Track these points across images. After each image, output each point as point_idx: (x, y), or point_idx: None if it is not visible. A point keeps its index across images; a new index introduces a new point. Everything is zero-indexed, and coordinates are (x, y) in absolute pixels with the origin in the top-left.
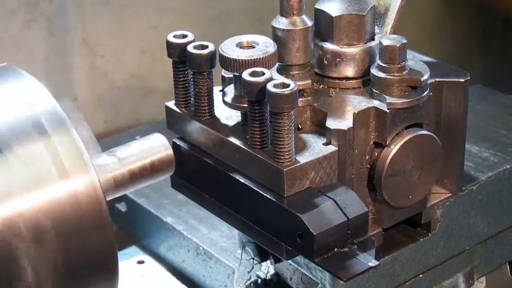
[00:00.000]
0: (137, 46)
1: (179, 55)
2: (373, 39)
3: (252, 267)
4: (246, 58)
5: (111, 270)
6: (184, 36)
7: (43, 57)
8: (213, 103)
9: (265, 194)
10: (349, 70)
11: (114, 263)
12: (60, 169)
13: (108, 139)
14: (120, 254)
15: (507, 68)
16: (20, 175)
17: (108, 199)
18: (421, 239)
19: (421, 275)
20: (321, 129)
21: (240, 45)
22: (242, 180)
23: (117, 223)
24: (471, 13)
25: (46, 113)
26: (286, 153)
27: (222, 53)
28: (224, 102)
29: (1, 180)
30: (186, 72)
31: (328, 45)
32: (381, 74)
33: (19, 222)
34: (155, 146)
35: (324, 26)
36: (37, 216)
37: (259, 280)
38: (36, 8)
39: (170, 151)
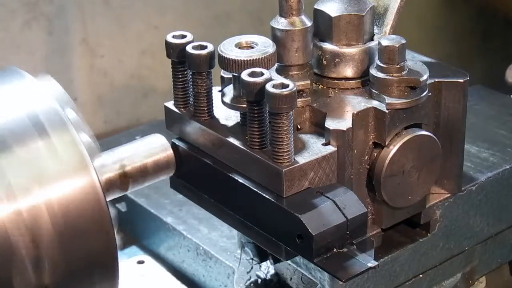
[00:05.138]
0: (137, 46)
1: (178, 56)
2: (372, 39)
3: (252, 267)
4: (245, 59)
5: (111, 270)
6: (183, 37)
7: (43, 57)
8: (212, 103)
9: (264, 195)
10: (348, 71)
11: (114, 263)
12: (60, 169)
13: (108, 139)
14: (120, 254)
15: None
16: (20, 175)
17: (108, 199)
18: (420, 240)
19: (420, 276)
20: (320, 130)
21: (239, 46)
22: (241, 180)
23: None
24: (471, 13)
25: (46, 113)
26: (285, 154)
27: (221, 53)
28: (223, 103)
29: (2, 180)
30: (185, 72)
31: (327, 46)
32: (380, 75)
33: (19, 222)
34: (155, 147)
35: (323, 26)
36: (37, 216)
37: (259, 280)
38: (36, 8)
39: (170, 152)
